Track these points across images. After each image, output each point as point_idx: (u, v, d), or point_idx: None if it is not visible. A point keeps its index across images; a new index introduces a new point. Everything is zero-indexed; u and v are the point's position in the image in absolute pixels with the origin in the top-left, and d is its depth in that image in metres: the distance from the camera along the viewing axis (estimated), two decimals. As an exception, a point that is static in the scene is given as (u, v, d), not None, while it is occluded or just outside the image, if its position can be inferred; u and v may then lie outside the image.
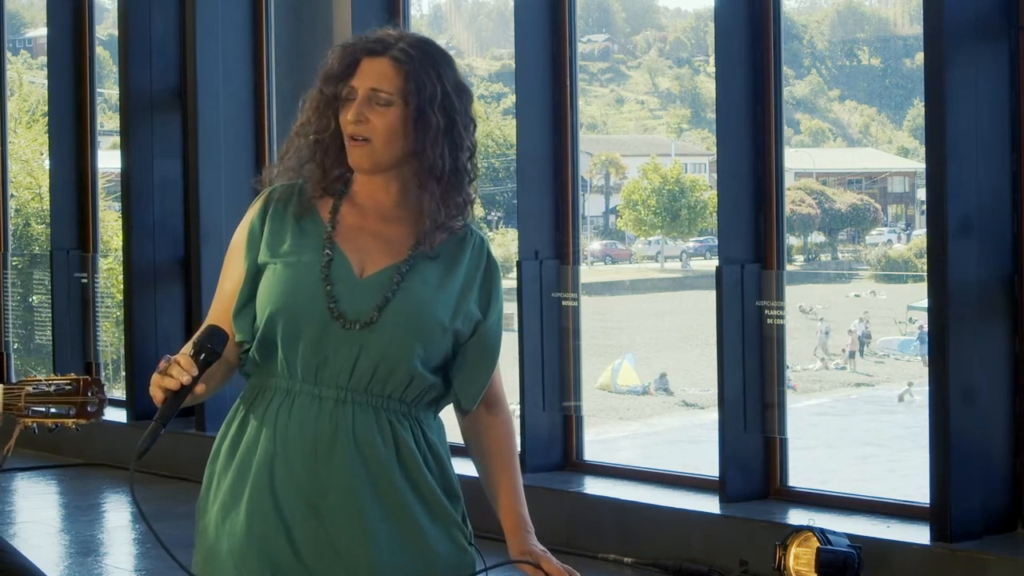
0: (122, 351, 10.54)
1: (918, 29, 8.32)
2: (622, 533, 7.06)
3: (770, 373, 7.04)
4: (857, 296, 14.56)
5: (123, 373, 10.56)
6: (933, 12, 6.13)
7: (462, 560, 2.94)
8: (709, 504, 7.00)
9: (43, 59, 13.13)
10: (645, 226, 15.06)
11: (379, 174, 2.95)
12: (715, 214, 7.82)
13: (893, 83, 14.90)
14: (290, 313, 2.88)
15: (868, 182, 14.72)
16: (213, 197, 9.18)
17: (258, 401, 2.93)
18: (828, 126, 15.14)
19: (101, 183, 10.89)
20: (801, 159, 14.59)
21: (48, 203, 11.08)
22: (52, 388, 3.19)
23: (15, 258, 11.87)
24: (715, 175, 8.71)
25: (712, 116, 7.62)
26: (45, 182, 12.33)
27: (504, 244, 12.72)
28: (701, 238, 14.96)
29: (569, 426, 7.84)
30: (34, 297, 11.39)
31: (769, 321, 7.05)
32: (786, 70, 7.98)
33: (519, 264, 7.77)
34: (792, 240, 14.16)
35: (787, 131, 9.63)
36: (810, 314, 14.28)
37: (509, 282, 7.12)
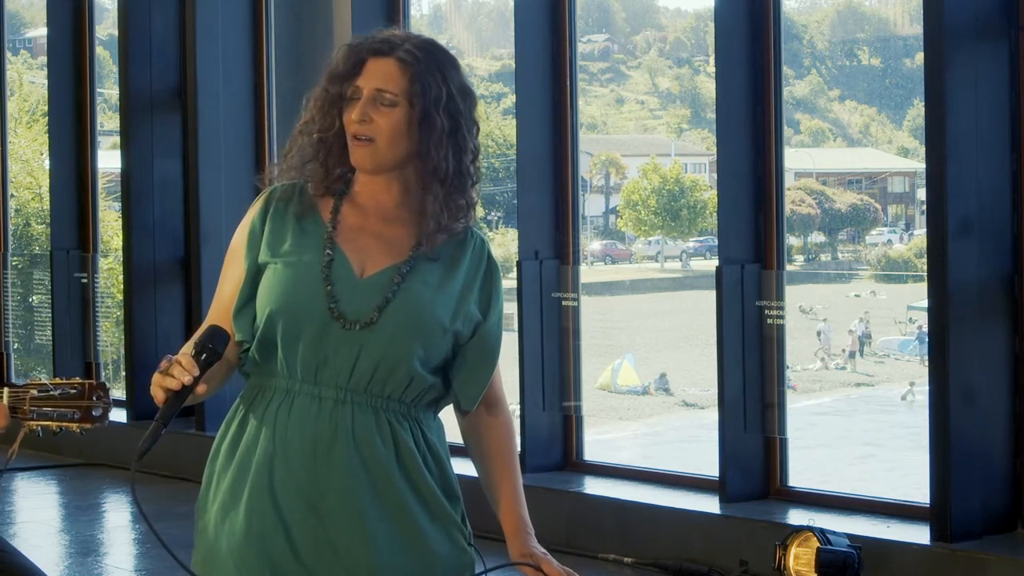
0: (122, 351, 10.54)
1: (918, 29, 8.33)
2: (622, 533, 7.06)
3: (770, 373, 7.04)
4: (857, 296, 14.55)
5: (123, 373, 10.56)
6: (933, 12, 6.13)
7: (461, 561, 2.94)
8: (709, 504, 6.99)
9: (43, 59, 13.13)
10: (645, 226, 15.05)
11: (381, 174, 2.96)
12: (715, 214, 7.81)
13: (893, 83, 14.90)
14: (290, 313, 2.88)
15: (868, 182, 14.71)
16: (213, 197, 9.18)
17: (258, 401, 2.93)
18: (828, 126, 15.13)
19: (101, 183, 10.88)
20: (801, 159, 14.59)
21: (48, 203, 11.07)
22: (57, 392, 3.18)
23: (15, 258, 11.87)
24: (715, 175, 8.71)
25: (712, 116, 7.62)
26: (45, 182, 12.33)
27: (504, 244, 12.72)
28: (701, 238, 14.95)
29: (569, 426, 7.84)
30: (34, 297, 11.38)
31: (769, 321, 7.05)
32: (786, 70, 7.98)
33: (519, 264, 7.76)
34: (792, 240, 14.15)
35: (787, 131, 9.63)
36: (810, 314, 14.27)
37: (509, 282, 7.12)
